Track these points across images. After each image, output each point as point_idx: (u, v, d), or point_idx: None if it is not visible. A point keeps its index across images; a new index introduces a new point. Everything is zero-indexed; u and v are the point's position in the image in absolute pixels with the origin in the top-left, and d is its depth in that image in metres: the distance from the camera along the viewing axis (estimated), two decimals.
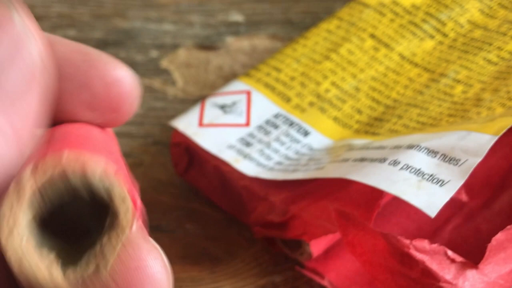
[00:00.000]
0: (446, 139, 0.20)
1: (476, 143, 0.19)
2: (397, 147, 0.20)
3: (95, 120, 0.15)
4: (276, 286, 0.23)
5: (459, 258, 0.18)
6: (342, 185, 0.20)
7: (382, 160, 0.20)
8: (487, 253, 0.18)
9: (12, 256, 0.11)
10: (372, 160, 0.20)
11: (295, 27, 0.33)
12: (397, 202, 0.19)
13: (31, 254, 0.11)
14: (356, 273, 0.21)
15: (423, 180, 0.19)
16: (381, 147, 0.21)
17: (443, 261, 0.18)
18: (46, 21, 0.35)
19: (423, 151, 0.20)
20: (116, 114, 0.14)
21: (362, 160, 0.20)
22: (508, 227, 0.18)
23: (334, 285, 0.21)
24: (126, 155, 0.27)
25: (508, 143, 0.24)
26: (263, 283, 0.23)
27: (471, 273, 0.18)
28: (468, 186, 0.23)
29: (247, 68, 0.30)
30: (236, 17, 0.35)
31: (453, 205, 0.23)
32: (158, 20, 0.34)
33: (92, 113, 0.14)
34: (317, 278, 0.22)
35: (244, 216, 0.23)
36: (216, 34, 0.34)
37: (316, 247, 0.22)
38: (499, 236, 0.18)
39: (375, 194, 0.19)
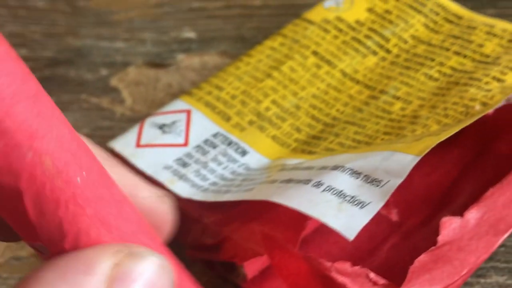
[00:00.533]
0: (371, 160, 0.20)
1: (398, 163, 0.19)
2: (323, 168, 0.20)
3: None
4: None
5: (381, 281, 0.18)
6: (270, 207, 0.20)
7: (307, 181, 0.20)
8: (409, 275, 0.18)
9: None
10: (298, 181, 0.20)
11: (246, 44, 0.33)
12: None
13: None
14: None
15: (344, 202, 0.18)
16: (309, 168, 0.21)
17: (364, 284, 0.18)
18: None
19: (347, 172, 0.19)
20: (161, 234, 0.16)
21: (289, 181, 0.20)
22: (432, 248, 0.18)
23: None
24: None
25: (450, 159, 0.25)
26: None
27: None
28: (405, 204, 0.23)
29: (196, 86, 0.30)
30: (189, 34, 0.35)
31: (390, 224, 0.23)
32: (110, 38, 0.34)
33: None
34: None
35: (181, 237, 0.23)
36: (167, 51, 0.34)
37: (251, 269, 0.21)
38: (423, 258, 0.18)
39: (301, 216, 0.19)
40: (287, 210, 0.19)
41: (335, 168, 0.20)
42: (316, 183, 0.19)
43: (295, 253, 0.18)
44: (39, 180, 0.11)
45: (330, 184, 0.19)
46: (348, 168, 0.19)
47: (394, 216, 0.22)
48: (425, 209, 0.23)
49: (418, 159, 0.19)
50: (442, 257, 0.19)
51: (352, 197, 0.18)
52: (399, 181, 0.18)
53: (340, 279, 0.18)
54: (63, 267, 0.12)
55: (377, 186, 0.18)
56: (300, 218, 0.19)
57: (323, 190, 0.19)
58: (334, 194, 0.19)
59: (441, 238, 0.19)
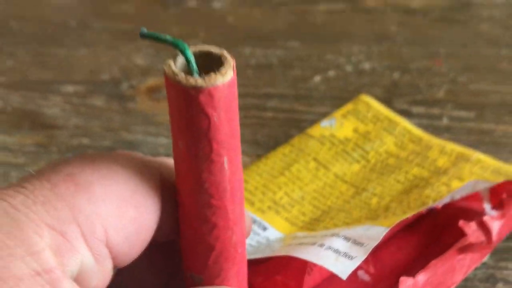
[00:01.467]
0: (357, 230, 0.30)
1: (376, 232, 0.29)
2: (324, 236, 0.30)
3: None
4: None
5: None
6: (285, 262, 0.29)
7: (313, 243, 0.29)
8: None
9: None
10: (307, 244, 0.30)
11: (260, 147, 0.41)
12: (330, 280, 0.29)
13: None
14: None
15: (339, 256, 0.28)
16: (314, 236, 0.31)
17: None
18: (64, 130, 0.44)
19: (341, 238, 0.29)
20: None
21: (301, 244, 0.30)
22: None
23: None
24: None
25: (413, 243, 0.34)
26: None
27: None
28: (378, 271, 0.32)
29: None
30: None
31: (367, 285, 0.32)
32: (155, 134, 0.43)
33: None
34: None
35: None
36: None
37: None
38: None
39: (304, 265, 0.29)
40: (293, 261, 0.29)
41: (333, 235, 0.30)
42: (320, 244, 0.29)
43: None
44: None
45: (329, 245, 0.29)
46: (342, 235, 0.29)
47: (371, 272, 0.31)
48: (392, 278, 0.32)
49: (387, 229, 0.29)
50: None
51: (345, 253, 0.28)
52: (375, 243, 0.28)
53: None
54: None
55: (361, 246, 0.28)
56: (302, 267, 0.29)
57: (325, 249, 0.29)
58: (333, 251, 0.28)
59: None
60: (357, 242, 0.29)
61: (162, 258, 0.25)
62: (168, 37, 0.21)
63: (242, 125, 0.44)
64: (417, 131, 0.39)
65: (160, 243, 0.23)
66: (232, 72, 0.20)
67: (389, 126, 0.39)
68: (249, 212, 0.26)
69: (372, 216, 0.33)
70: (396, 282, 0.30)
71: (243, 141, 0.42)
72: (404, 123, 0.39)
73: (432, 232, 0.33)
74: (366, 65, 0.49)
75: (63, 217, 0.19)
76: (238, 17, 0.55)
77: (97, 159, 0.21)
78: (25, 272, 0.18)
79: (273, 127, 0.43)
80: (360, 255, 0.28)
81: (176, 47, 0.20)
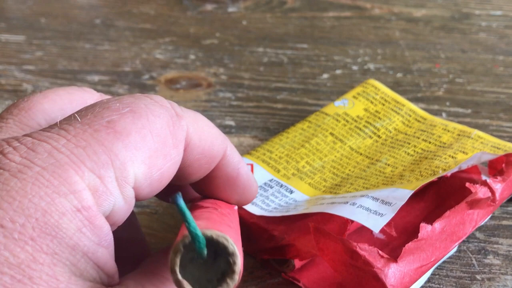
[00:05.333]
0: (384, 192, 0.33)
1: (401, 194, 0.31)
2: (354, 196, 0.33)
3: (229, 200, 0.27)
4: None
5: (385, 255, 0.30)
6: (320, 219, 0.32)
7: (345, 202, 0.32)
8: (401, 254, 0.30)
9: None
10: (339, 203, 0.32)
11: (271, 132, 0.44)
12: (358, 233, 0.32)
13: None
14: (322, 279, 0.33)
15: (370, 213, 0.31)
16: (344, 197, 0.33)
17: (376, 256, 0.30)
18: None
19: (369, 198, 0.32)
20: (245, 199, 0.27)
21: (333, 203, 0.33)
22: (414, 240, 0.31)
23: (307, 286, 0.33)
24: (145, 206, 0.37)
25: (418, 209, 0.36)
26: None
27: (392, 265, 0.30)
28: (390, 232, 0.35)
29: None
30: (230, 122, 0.45)
31: (383, 242, 0.35)
32: None
33: (232, 197, 0.27)
34: (296, 282, 0.33)
35: (249, 245, 0.35)
36: None
37: (297, 262, 0.33)
38: (409, 245, 0.31)
39: (345, 221, 0.31)
40: (334, 217, 0.32)
41: (362, 196, 0.32)
42: (352, 203, 0.32)
43: (334, 238, 0.30)
44: None
45: (361, 204, 0.31)
46: (370, 196, 0.32)
47: (385, 232, 0.34)
48: (403, 237, 0.35)
49: (412, 192, 0.32)
50: (420, 247, 0.31)
51: (375, 211, 0.31)
52: (402, 203, 0.31)
53: (361, 252, 0.30)
54: None
55: (389, 206, 0.31)
56: (343, 222, 0.31)
57: (357, 207, 0.31)
58: (364, 209, 0.31)
59: (420, 235, 0.31)
60: (385, 202, 0.31)
61: None
62: (192, 223, 0.19)
63: (255, 114, 0.48)
64: (421, 112, 0.42)
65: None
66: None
67: (396, 107, 0.42)
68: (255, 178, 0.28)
69: (388, 182, 0.36)
70: (407, 240, 0.33)
71: (256, 127, 0.46)
72: (409, 104, 0.42)
73: (436, 199, 0.36)
74: (371, 66, 0.52)
75: (101, 161, 0.20)
76: (252, 21, 0.58)
77: (136, 107, 0.22)
78: (67, 207, 0.19)
79: (283, 117, 0.46)
80: (388, 213, 0.30)
81: (193, 239, 0.19)
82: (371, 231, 0.33)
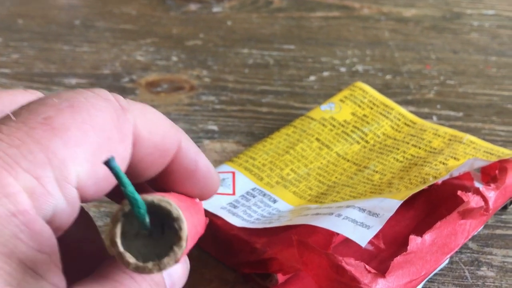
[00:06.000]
0: (371, 202, 0.31)
1: (389, 204, 0.30)
2: (339, 207, 0.31)
3: (192, 194, 0.26)
4: None
5: (373, 270, 0.28)
6: (304, 232, 0.31)
7: (330, 214, 0.30)
8: (390, 268, 0.29)
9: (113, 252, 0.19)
10: (324, 214, 0.31)
11: (255, 137, 0.42)
12: (344, 245, 0.30)
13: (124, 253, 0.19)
14: None
15: (356, 225, 0.29)
16: (329, 207, 0.32)
17: (362, 271, 0.28)
18: None
19: (356, 209, 0.31)
20: (207, 192, 0.25)
21: (317, 214, 0.31)
22: (404, 253, 0.29)
23: None
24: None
25: (408, 217, 0.35)
26: None
27: (380, 280, 0.28)
28: (378, 243, 0.33)
29: (217, 164, 0.39)
30: (212, 127, 0.44)
31: (372, 254, 0.33)
32: None
33: (193, 191, 0.25)
34: None
35: (230, 258, 0.33)
36: (196, 138, 0.42)
37: (280, 277, 0.32)
38: (398, 259, 0.29)
39: (330, 233, 0.30)
40: (318, 229, 0.30)
41: (348, 206, 0.31)
42: (337, 215, 0.30)
43: (318, 252, 0.29)
44: None
45: (346, 215, 0.30)
46: (357, 207, 0.31)
47: (374, 243, 0.32)
48: (393, 248, 0.34)
49: (401, 202, 0.30)
50: (409, 261, 0.29)
51: (362, 222, 0.29)
52: (390, 214, 0.29)
53: (347, 267, 0.28)
54: None
55: (376, 217, 0.30)
56: (328, 235, 0.30)
57: (343, 219, 0.30)
58: (349, 221, 0.30)
59: (409, 248, 0.29)
60: (372, 213, 0.30)
61: None
62: (129, 187, 0.18)
63: (239, 118, 0.46)
64: (411, 116, 0.40)
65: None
66: (184, 248, 0.18)
67: (384, 110, 0.41)
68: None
69: (376, 191, 0.34)
70: (397, 251, 0.32)
71: (240, 132, 0.44)
72: (398, 108, 0.41)
73: (427, 207, 0.35)
74: (360, 67, 0.51)
75: (38, 160, 0.19)
76: (237, 21, 0.56)
77: (75, 102, 0.20)
78: (1, 212, 0.18)
79: (268, 121, 0.45)
80: (376, 225, 0.29)
81: (131, 204, 0.18)
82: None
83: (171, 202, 0.18)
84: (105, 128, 0.20)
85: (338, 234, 0.29)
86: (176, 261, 0.18)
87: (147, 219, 0.18)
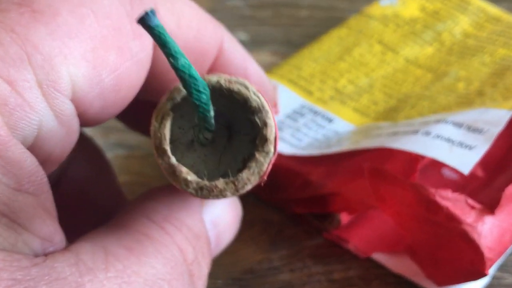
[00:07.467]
0: (468, 114, 0.23)
1: (495, 116, 0.23)
2: (425, 123, 0.24)
3: None
4: (271, 262, 0.25)
5: (477, 205, 0.21)
6: (378, 157, 0.23)
7: (415, 132, 0.23)
8: (501, 201, 0.21)
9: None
10: (405, 133, 0.23)
11: (294, 47, 0.36)
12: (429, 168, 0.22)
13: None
14: (376, 239, 0.24)
15: (453, 146, 0.22)
16: (410, 124, 0.24)
17: (464, 208, 0.21)
18: None
19: (449, 124, 0.23)
20: None
21: (395, 134, 0.24)
22: None
23: (358, 249, 0.24)
24: (133, 147, 0.30)
25: (501, 134, 0.28)
26: (259, 258, 0.26)
27: (488, 219, 0.21)
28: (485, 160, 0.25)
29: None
30: (242, 36, 0.38)
31: (457, 184, 0.25)
32: None
33: None
34: (342, 243, 0.24)
35: (276, 195, 0.26)
36: None
37: (344, 217, 0.24)
38: (510, 188, 0.21)
39: (413, 157, 0.22)
40: (394, 154, 0.22)
41: (437, 121, 0.23)
42: (424, 132, 0.23)
43: (401, 183, 0.21)
44: None
45: (437, 133, 0.22)
46: (450, 121, 0.23)
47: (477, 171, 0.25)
48: (484, 176, 0.26)
49: (511, 112, 0.22)
50: None
51: (460, 142, 0.22)
52: (498, 129, 0.22)
53: (443, 203, 0.21)
54: None
55: (479, 133, 0.22)
56: (412, 159, 0.22)
57: (432, 137, 0.22)
58: (443, 140, 0.22)
59: None
60: (473, 129, 0.23)
61: None
62: (182, 58, 0.12)
63: (273, 25, 0.39)
64: (494, 10, 0.32)
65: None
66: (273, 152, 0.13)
67: (459, 5, 0.32)
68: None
69: (464, 102, 0.26)
70: (489, 180, 0.24)
71: (274, 41, 0.37)
72: (477, 1, 0.32)
73: None
74: None
75: (10, 56, 0.13)
76: None
77: None
78: None
79: (309, 27, 0.38)
80: (480, 144, 0.22)
81: (185, 85, 0.12)
82: (439, 169, 0.23)
83: (248, 84, 0.12)
84: (112, 15, 0.14)
85: (423, 158, 0.22)
86: (262, 177, 0.13)
87: (212, 113, 0.12)
